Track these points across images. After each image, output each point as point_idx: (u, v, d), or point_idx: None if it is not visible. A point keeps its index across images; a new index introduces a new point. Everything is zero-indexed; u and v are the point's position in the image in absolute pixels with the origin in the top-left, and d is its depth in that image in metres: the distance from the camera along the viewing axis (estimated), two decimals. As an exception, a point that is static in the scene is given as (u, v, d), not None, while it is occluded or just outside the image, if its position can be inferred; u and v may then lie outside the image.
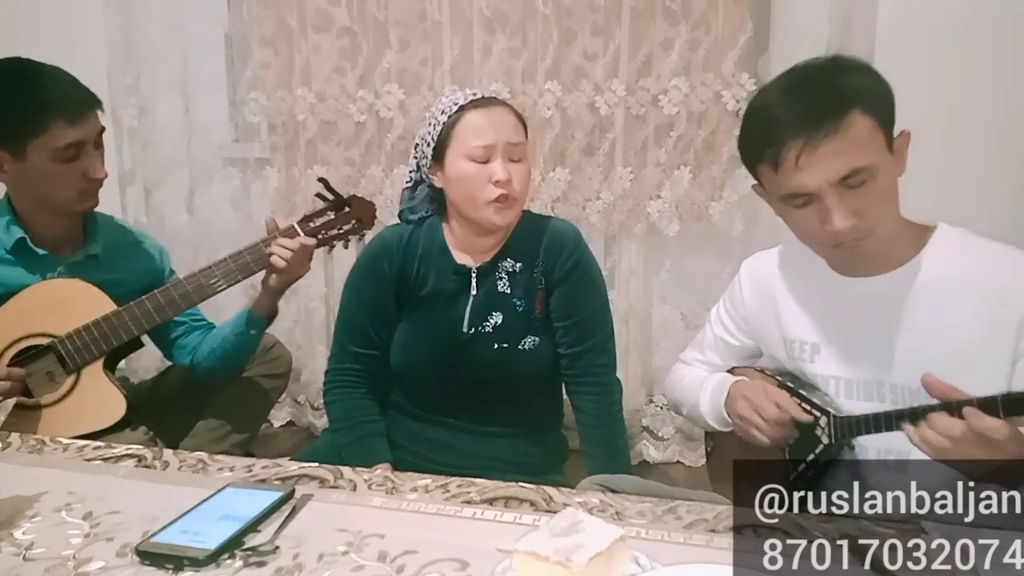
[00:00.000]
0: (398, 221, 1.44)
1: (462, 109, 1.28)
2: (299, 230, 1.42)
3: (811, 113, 0.92)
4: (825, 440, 1.04)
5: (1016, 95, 1.97)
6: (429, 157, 1.31)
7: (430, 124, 1.31)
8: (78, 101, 1.38)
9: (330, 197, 1.44)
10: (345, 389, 1.40)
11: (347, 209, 1.44)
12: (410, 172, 1.39)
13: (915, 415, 0.90)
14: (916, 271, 1.02)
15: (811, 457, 1.06)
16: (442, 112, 1.29)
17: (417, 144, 1.34)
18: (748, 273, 1.24)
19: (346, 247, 1.48)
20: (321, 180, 1.45)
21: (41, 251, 1.43)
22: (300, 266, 1.42)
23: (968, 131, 1.97)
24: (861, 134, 0.93)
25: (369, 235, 1.47)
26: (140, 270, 1.52)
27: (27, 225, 1.43)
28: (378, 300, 1.38)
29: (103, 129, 1.43)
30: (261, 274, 1.44)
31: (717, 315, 1.28)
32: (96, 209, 1.50)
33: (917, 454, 1.00)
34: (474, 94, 1.30)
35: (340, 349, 1.42)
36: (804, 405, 1.06)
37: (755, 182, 1.07)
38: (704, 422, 1.21)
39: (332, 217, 1.44)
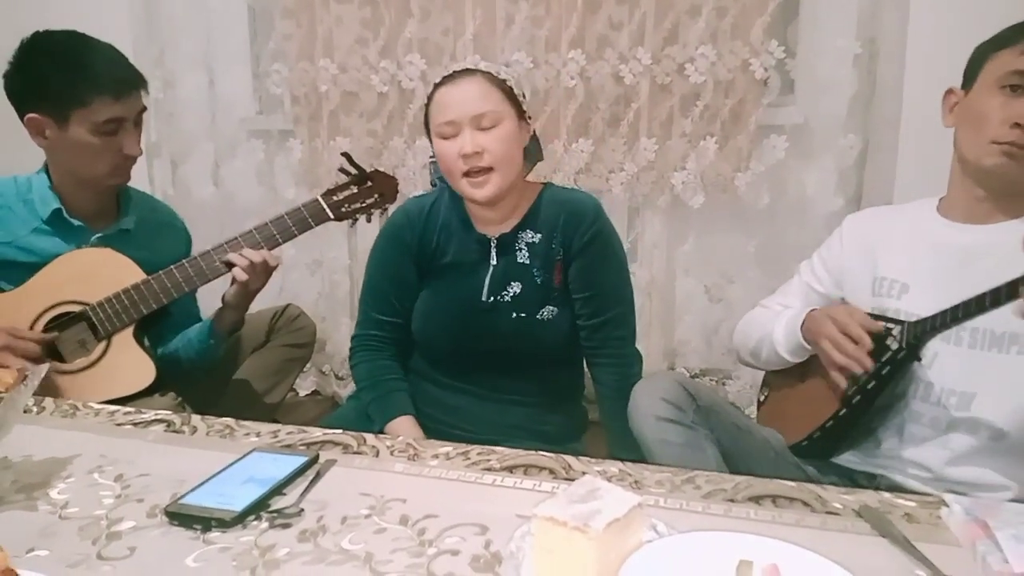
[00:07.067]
0: (420, 193, 1.45)
1: (436, 87, 1.30)
2: (321, 209, 1.42)
3: None
4: (894, 346, 1.07)
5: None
6: (429, 137, 1.34)
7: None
8: (125, 79, 1.41)
9: (353, 171, 1.44)
10: (369, 352, 1.44)
11: (370, 183, 1.45)
12: None
13: (998, 296, 0.91)
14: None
15: (875, 367, 1.08)
16: (428, 94, 1.32)
17: None
18: (851, 222, 1.29)
19: (368, 221, 1.49)
20: (344, 155, 1.46)
21: (76, 222, 1.46)
22: (258, 281, 1.42)
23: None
24: None
25: (392, 208, 1.49)
26: (168, 249, 1.54)
27: (63, 196, 1.46)
28: (400, 269, 1.40)
29: (144, 109, 1.47)
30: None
31: (808, 265, 1.33)
32: (129, 184, 1.53)
33: (984, 394, 1.04)
34: (453, 70, 1.30)
35: (365, 316, 1.45)
36: (877, 323, 1.09)
37: (954, 90, 1.13)
38: (772, 351, 1.24)
39: (355, 191, 1.45)
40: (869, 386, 1.09)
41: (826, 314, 1.13)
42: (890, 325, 1.08)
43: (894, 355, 1.07)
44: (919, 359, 1.08)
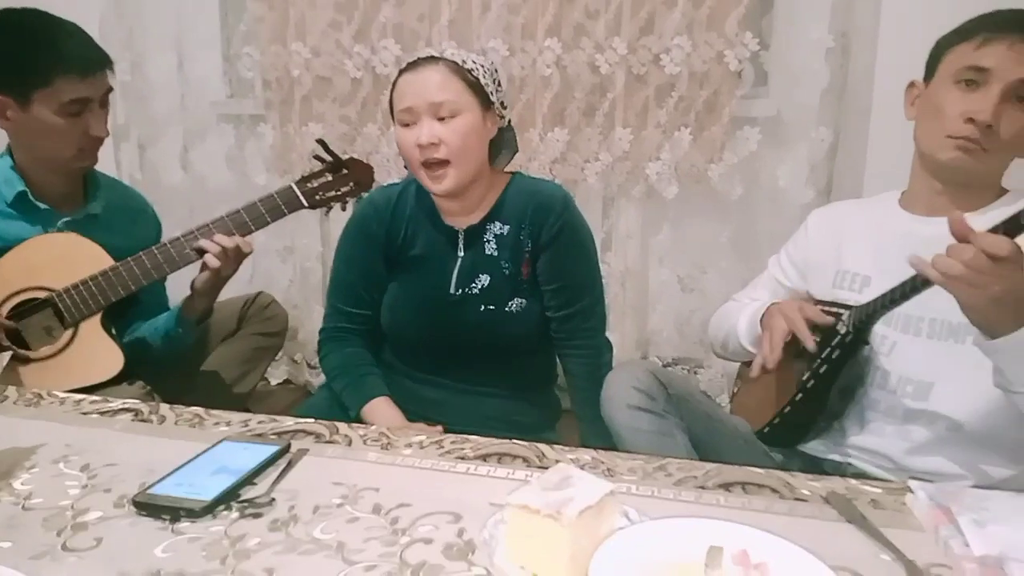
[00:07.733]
0: (395, 181, 1.43)
1: (400, 74, 1.27)
2: (295, 197, 1.40)
3: None
4: (843, 330, 1.09)
5: None
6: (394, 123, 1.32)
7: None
8: (90, 59, 1.37)
9: (328, 158, 1.42)
10: (338, 343, 1.42)
11: (345, 171, 1.43)
12: None
13: (925, 282, 0.95)
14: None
15: (826, 352, 1.11)
16: (392, 81, 1.30)
17: None
18: (816, 216, 1.32)
19: (343, 209, 1.47)
20: (319, 141, 1.44)
21: (42, 206, 1.43)
22: (230, 267, 1.39)
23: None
24: None
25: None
26: (137, 235, 1.51)
27: (28, 179, 1.43)
28: (367, 260, 1.39)
29: (111, 89, 1.43)
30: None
31: (776, 259, 1.35)
32: (95, 167, 1.49)
33: (941, 384, 1.06)
34: (417, 57, 1.28)
35: (332, 309, 1.43)
36: (829, 309, 1.12)
37: (915, 81, 1.15)
38: (737, 342, 1.27)
39: (330, 179, 1.43)
40: (821, 370, 1.12)
41: (779, 309, 1.15)
42: (839, 311, 1.11)
43: (842, 339, 1.09)
44: (867, 342, 1.10)
